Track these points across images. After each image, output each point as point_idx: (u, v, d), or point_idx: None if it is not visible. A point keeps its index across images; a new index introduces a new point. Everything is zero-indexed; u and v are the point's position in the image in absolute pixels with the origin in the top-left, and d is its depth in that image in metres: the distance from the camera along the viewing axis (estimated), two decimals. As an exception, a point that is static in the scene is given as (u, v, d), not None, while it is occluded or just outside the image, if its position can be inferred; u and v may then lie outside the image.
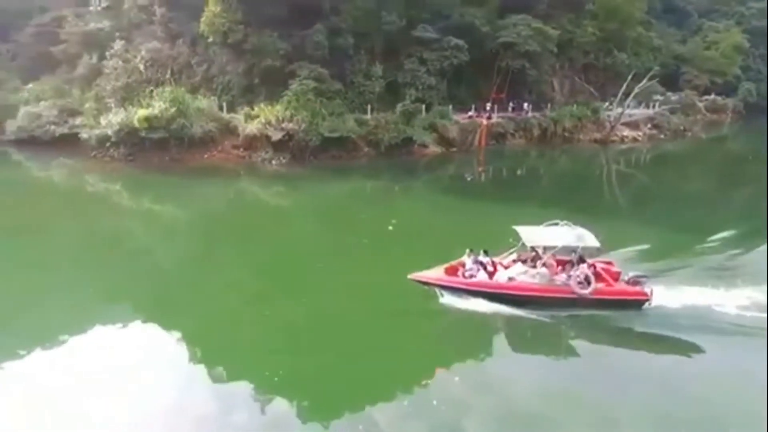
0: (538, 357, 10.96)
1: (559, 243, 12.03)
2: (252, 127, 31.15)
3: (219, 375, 9.96)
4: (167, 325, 11.89)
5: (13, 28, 46.63)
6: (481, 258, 12.79)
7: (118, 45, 37.06)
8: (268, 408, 9.03)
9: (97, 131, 31.41)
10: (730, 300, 12.07)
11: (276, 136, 30.29)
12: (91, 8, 42.22)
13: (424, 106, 35.78)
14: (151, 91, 32.01)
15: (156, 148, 30.38)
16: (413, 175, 31.36)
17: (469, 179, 31.57)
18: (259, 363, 10.51)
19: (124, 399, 9.22)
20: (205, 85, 36.02)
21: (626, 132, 42.78)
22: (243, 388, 9.62)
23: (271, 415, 8.92)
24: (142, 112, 29.71)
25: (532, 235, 12.38)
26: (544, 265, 12.04)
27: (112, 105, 32.59)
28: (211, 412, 9.01)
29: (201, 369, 10.25)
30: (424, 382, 9.58)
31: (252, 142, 31.64)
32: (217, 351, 11.05)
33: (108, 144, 31.08)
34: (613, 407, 9.05)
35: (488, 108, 39.68)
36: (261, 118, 31.07)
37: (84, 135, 32.09)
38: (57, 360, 10.56)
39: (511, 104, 41.90)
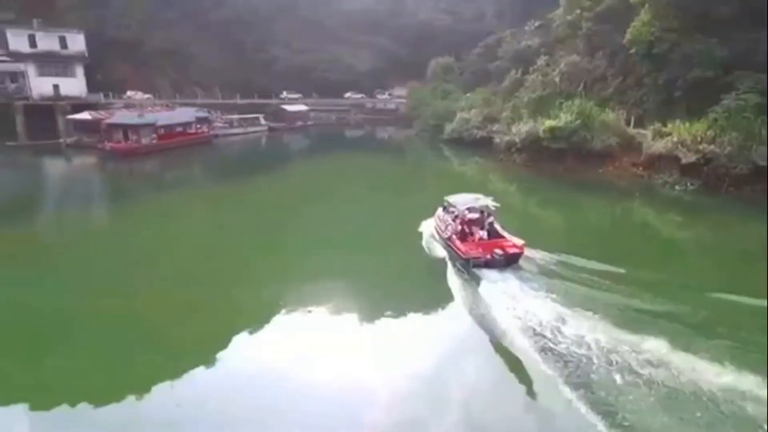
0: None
1: (459, 202, 16.70)
2: (659, 146, 28.16)
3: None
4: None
5: (466, 49, 58.42)
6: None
7: (541, 60, 40.47)
8: None
9: (506, 137, 35.79)
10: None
11: (688, 158, 26.32)
12: (526, 28, 47.61)
13: None
14: (561, 103, 33.56)
15: (553, 158, 31.92)
16: None
17: None
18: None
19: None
20: (616, 98, 34.85)
21: None
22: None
23: None
24: (548, 123, 31.71)
25: (454, 197, 17.52)
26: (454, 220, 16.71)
27: (524, 115, 36.13)
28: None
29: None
30: None
31: (655, 162, 28.72)
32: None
33: (513, 150, 34.90)
34: None
35: None
36: (673, 137, 27.60)
37: (496, 140, 37.22)
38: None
39: None
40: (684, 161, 26.60)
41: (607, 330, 11.27)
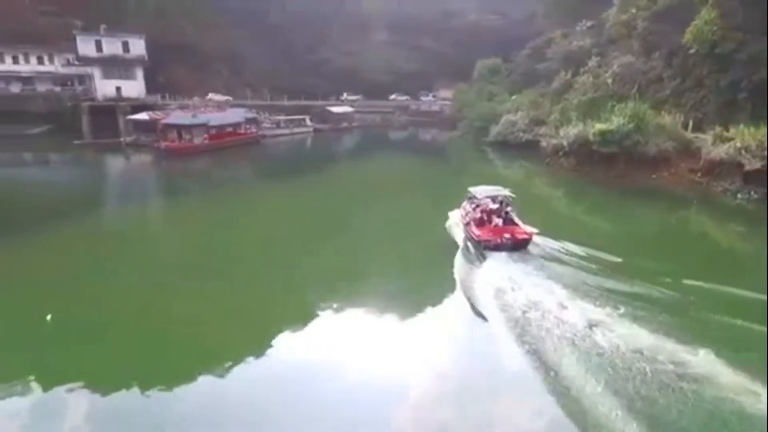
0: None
1: (480, 193, 19.19)
2: (720, 151, 26.56)
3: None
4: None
5: (515, 50, 57.38)
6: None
7: (593, 61, 39.11)
8: None
9: (554, 141, 34.76)
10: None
11: (752, 164, 24.68)
12: (577, 28, 46.11)
13: None
14: (613, 105, 32.24)
15: (602, 162, 30.70)
16: None
17: None
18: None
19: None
20: (672, 101, 33.13)
21: None
22: None
23: None
24: (599, 126, 30.52)
25: (476, 188, 19.75)
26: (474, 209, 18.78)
27: (574, 118, 34.94)
28: None
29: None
30: None
31: (715, 168, 27.10)
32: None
33: (560, 153, 33.86)
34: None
35: None
36: (736, 142, 25.98)
37: (543, 143, 36.25)
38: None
39: None
40: (748, 168, 24.97)
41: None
